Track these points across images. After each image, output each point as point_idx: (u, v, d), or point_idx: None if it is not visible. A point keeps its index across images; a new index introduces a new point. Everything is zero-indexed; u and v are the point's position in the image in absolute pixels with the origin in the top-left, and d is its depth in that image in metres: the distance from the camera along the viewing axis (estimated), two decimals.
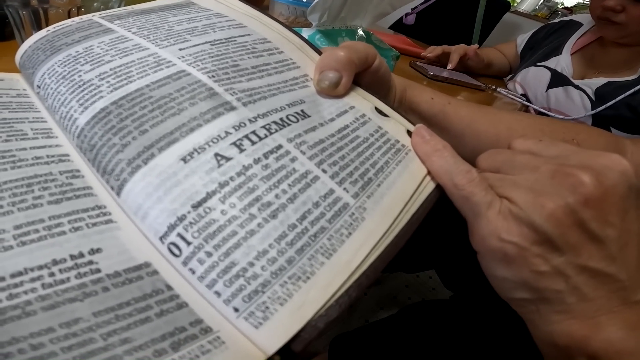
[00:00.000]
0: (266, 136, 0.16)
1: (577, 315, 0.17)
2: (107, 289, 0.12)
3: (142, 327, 0.11)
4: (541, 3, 1.59)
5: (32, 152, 0.16)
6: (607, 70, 0.71)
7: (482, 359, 0.47)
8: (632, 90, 0.63)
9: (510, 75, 0.89)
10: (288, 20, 0.61)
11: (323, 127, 0.19)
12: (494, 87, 0.75)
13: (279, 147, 0.16)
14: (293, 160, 0.16)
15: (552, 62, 0.77)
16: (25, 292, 0.11)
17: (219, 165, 0.14)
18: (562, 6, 1.59)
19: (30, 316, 0.11)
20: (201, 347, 0.12)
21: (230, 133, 0.16)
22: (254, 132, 0.16)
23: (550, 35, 0.84)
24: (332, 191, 0.15)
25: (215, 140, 0.15)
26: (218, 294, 0.12)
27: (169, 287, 0.13)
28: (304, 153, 0.16)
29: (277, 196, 0.14)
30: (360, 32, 0.51)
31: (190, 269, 0.13)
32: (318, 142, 0.17)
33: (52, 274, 0.12)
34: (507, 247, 0.16)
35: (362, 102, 0.22)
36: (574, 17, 0.84)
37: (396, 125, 0.21)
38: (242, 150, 0.15)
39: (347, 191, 0.16)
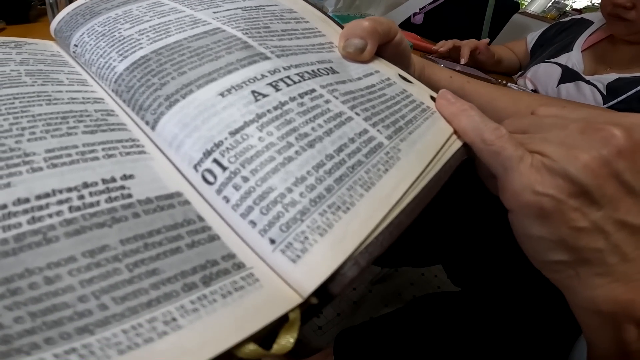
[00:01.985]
0: (300, 81, 0.17)
1: (620, 277, 0.16)
2: (138, 215, 0.12)
3: (172, 257, 0.11)
4: (550, 4, 1.60)
5: (68, 94, 0.17)
6: (618, 66, 0.71)
7: (489, 353, 0.47)
8: None
9: (520, 72, 0.89)
10: None
11: (352, 82, 0.19)
12: (504, 82, 0.75)
13: (313, 90, 0.16)
14: (327, 102, 0.16)
15: (562, 59, 0.77)
16: (50, 215, 0.11)
17: (256, 100, 0.15)
18: (571, 8, 1.60)
19: (51, 243, 0.10)
20: (234, 283, 0.11)
21: (266, 76, 0.16)
22: (288, 77, 0.17)
23: (560, 33, 0.85)
24: (366, 131, 0.16)
25: (252, 80, 0.16)
26: (253, 223, 0.12)
27: (201, 219, 0.12)
28: (336, 98, 0.17)
29: (313, 129, 0.14)
30: None
31: (225, 197, 0.13)
32: (349, 92, 0.18)
33: (81, 197, 0.12)
34: (543, 200, 0.16)
35: (386, 68, 0.23)
36: (585, 15, 0.84)
37: (420, 90, 0.22)
38: (278, 90, 0.16)
39: (381, 133, 0.16)
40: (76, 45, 0.20)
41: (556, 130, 0.17)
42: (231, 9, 0.22)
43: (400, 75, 0.23)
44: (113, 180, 0.12)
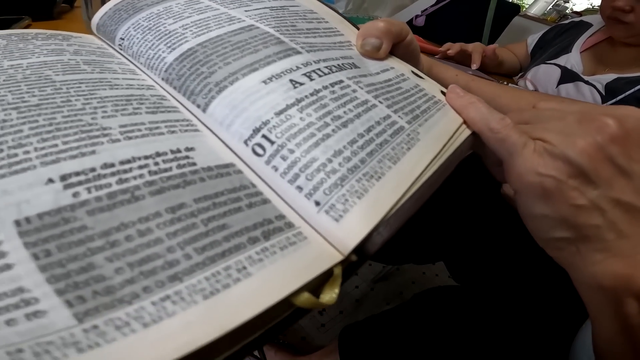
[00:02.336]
0: (329, 73, 0.19)
1: (617, 252, 0.17)
2: (204, 180, 0.13)
3: (236, 215, 0.13)
4: (551, 7, 1.62)
5: (124, 81, 0.19)
6: (616, 67, 0.73)
7: (491, 346, 0.48)
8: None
9: (520, 74, 0.91)
10: None
11: (372, 76, 0.21)
12: (505, 83, 0.77)
13: (341, 81, 0.19)
14: (354, 91, 0.18)
15: (562, 60, 0.79)
16: (134, 178, 0.12)
17: (294, 87, 0.17)
18: (571, 10, 1.62)
19: (139, 200, 0.12)
20: (288, 239, 0.13)
21: (300, 68, 0.18)
22: (319, 69, 0.19)
23: (560, 35, 0.87)
24: (389, 116, 0.18)
25: (288, 71, 0.18)
26: (300, 188, 0.14)
27: (253, 185, 0.14)
28: (361, 88, 0.19)
29: (345, 112, 0.17)
30: None
31: (274, 166, 0.15)
32: (371, 84, 0.20)
33: (156, 163, 0.13)
34: (545, 180, 0.17)
35: (400, 65, 0.25)
36: (584, 18, 0.87)
37: (431, 85, 0.24)
38: (312, 80, 0.18)
39: (401, 118, 0.18)
40: (122, 39, 0.22)
41: (555, 121, 0.19)
42: (259, 8, 0.24)
43: (412, 71, 0.25)
44: (179, 151, 0.14)
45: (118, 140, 0.14)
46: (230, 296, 0.11)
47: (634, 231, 0.17)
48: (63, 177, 0.12)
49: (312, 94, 0.17)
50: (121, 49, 0.22)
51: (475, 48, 0.80)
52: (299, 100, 0.16)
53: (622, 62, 0.73)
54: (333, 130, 0.16)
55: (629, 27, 0.68)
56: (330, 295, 0.12)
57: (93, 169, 0.12)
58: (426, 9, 1.16)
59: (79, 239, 0.10)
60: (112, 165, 0.13)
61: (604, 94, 0.70)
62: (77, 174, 0.12)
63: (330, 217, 0.13)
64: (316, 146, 0.15)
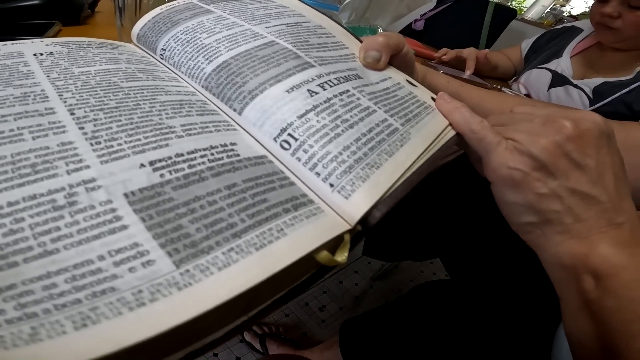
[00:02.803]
0: (338, 84, 0.23)
1: (574, 235, 0.20)
2: (247, 167, 0.17)
3: (272, 192, 0.17)
4: (547, 11, 1.66)
5: (173, 87, 0.23)
6: (605, 71, 0.77)
7: (484, 336, 0.52)
8: (627, 89, 0.70)
9: (514, 77, 0.95)
10: None
11: (373, 85, 0.25)
12: (499, 87, 0.81)
13: (348, 90, 0.23)
14: (358, 99, 0.23)
15: (553, 64, 0.83)
16: (199, 164, 0.16)
17: (311, 96, 0.21)
18: (568, 14, 1.66)
19: (205, 180, 0.15)
20: (310, 211, 0.16)
21: (315, 79, 0.23)
22: (329, 81, 0.23)
23: (552, 40, 0.91)
24: (386, 119, 0.22)
25: (306, 82, 0.22)
26: (318, 174, 0.18)
27: (282, 172, 0.18)
28: (364, 96, 0.23)
29: (351, 116, 0.21)
30: (380, 30, 0.58)
31: (297, 158, 0.19)
32: (372, 92, 0.24)
33: (212, 154, 0.17)
34: (514, 173, 0.21)
35: (397, 75, 0.29)
36: (576, 23, 0.91)
37: (423, 92, 0.28)
38: (324, 90, 0.22)
39: (396, 121, 0.22)
40: (164, 49, 0.27)
41: (525, 123, 0.23)
42: (277, 25, 0.28)
43: (408, 80, 0.29)
44: (226, 145, 0.18)
45: (182, 136, 0.18)
46: (273, 249, 0.14)
47: (589, 215, 0.20)
48: (151, 163, 0.16)
49: (325, 102, 0.21)
50: (162, 59, 0.27)
51: (469, 54, 0.84)
52: (315, 107, 0.21)
53: (610, 67, 0.77)
54: (342, 131, 0.20)
55: (616, 32, 0.72)
56: (341, 256, 0.16)
57: (170, 157, 0.16)
58: (425, 14, 1.19)
59: (169, 207, 0.14)
60: (182, 155, 0.17)
61: (592, 97, 0.74)
62: (160, 160, 0.16)
63: (342, 196, 0.18)
64: (330, 142, 0.19)
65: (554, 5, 1.66)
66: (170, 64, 0.26)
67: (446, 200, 0.69)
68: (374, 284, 1.10)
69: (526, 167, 0.21)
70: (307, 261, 0.15)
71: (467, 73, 0.82)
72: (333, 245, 0.16)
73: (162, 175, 0.15)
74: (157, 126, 0.18)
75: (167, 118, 0.19)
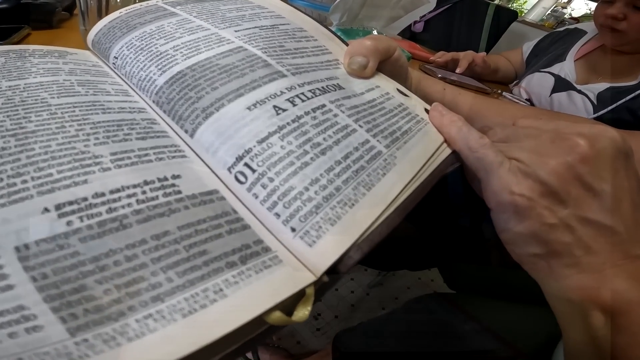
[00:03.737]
0: (312, 97, 0.20)
1: (585, 268, 0.18)
2: (188, 207, 0.14)
3: (216, 241, 0.14)
4: (548, 13, 1.63)
5: (117, 104, 0.19)
6: (609, 76, 0.74)
7: (484, 353, 0.49)
8: (632, 95, 0.67)
9: (515, 81, 0.92)
10: None
11: (356, 97, 0.22)
12: (499, 91, 0.78)
13: (323, 105, 0.19)
14: (335, 115, 0.19)
15: (556, 68, 0.80)
16: (123, 207, 0.13)
17: (277, 114, 0.18)
18: (569, 16, 1.63)
19: (127, 229, 0.13)
20: (263, 263, 0.14)
21: (284, 92, 0.19)
22: (302, 94, 0.20)
23: (555, 43, 0.88)
24: (367, 141, 0.19)
25: (272, 96, 0.19)
26: (278, 215, 0.15)
27: (235, 211, 0.15)
28: (343, 112, 0.20)
29: (324, 139, 0.17)
30: (375, 33, 0.55)
31: (254, 194, 0.16)
32: (353, 106, 0.21)
33: (144, 192, 0.14)
34: (517, 199, 0.18)
35: (386, 83, 0.26)
36: (579, 25, 0.88)
37: (415, 103, 0.25)
38: (294, 105, 0.19)
39: (380, 142, 0.19)
40: (116, 58, 0.23)
41: (530, 140, 0.20)
42: (250, 28, 0.25)
43: (398, 89, 0.26)
44: (165, 179, 0.15)
45: (109, 169, 0.15)
46: (206, 315, 0.12)
47: (602, 248, 0.18)
48: (58, 207, 0.13)
49: (293, 121, 0.18)
50: (115, 68, 0.23)
51: (465, 56, 0.81)
52: (280, 128, 0.17)
53: (614, 71, 0.73)
54: (311, 158, 0.16)
55: (621, 35, 0.69)
56: (302, 312, 0.13)
57: (85, 199, 0.13)
58: (425, 15, 1.17)
59: (71, 264, 0.12)
60: (103, 194, 0.14)
61: (595, 103, 0.71)
62: (71, 203, 0.13)
63: (305, 242, 0.14)
64: (294, 175, 0.16)
65: (555, 7, 1.63)
66: (123, 75, 0.22)
67: (443, 209, 0.66)
68: (371, 292, 1.07)
69: (532, 193, 0.18)
70: (255, 322, 0.12)
71: (457, 70, 0.79)
72: (293, 299, 0.13)
73: (69, 223, 0.12)
74: (79, 156, 0.15)
75: (95, 144, 0.16)
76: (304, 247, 0.14)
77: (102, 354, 0.10)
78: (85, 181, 0.14)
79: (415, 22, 1.20)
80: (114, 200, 0.13)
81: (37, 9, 0.45)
